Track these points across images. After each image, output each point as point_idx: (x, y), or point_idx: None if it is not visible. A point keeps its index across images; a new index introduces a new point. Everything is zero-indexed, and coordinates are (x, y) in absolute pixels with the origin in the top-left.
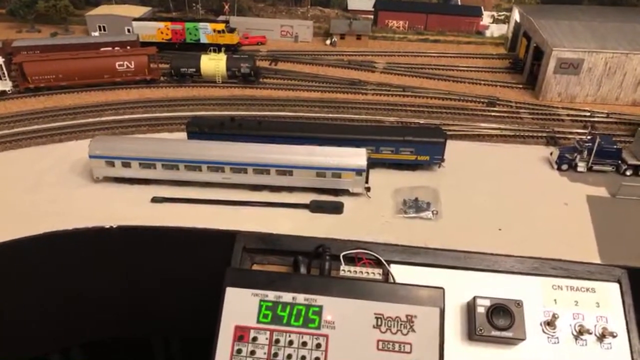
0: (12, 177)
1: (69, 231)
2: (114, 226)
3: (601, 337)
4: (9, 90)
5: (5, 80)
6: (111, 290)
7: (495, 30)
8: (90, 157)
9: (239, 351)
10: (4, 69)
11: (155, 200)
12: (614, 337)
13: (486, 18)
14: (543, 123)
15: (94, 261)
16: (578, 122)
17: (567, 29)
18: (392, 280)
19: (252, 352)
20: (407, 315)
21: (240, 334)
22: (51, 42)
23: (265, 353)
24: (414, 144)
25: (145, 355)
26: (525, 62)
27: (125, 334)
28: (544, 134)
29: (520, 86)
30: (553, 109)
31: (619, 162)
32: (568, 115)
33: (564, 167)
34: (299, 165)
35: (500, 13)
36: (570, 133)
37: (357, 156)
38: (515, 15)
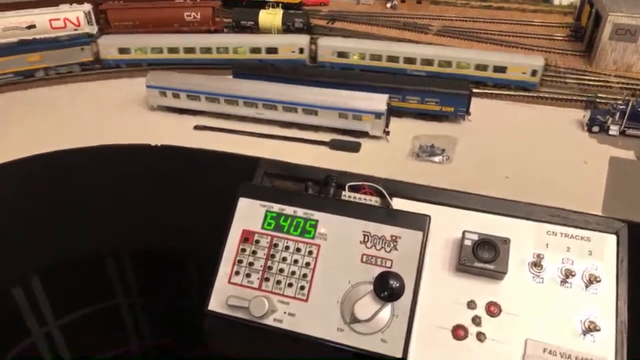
0: (89, 102)
1: (123, 145)
2: (159, 145)
3: (588, 283)
4: (95, 34)
5: (93, 25)
6: (155, 200)
7: None
8: (147, 87)
9: (244, 250)
10: (92, 15)
11: (197, 127)
12: (599, 282)
13: None
14: (587, 88)
15: (142, 173)
16: (628, 89)
17: None
18: None
19: (254, 252)
20: (392, 236)
21: (246, 236)
22: None
23: (264, 254)
24: (438, 94)
25: (184, 265)
26: (586, 29)
27: (166, 243)
28: (584, 98)
29: (577, 54)
30: (604, 75)
31: None
32: (618, 82)
33: (595, 129)
34: (323, 106)
35: None
36: (615, 100)
37: (377, 101)
38: None
